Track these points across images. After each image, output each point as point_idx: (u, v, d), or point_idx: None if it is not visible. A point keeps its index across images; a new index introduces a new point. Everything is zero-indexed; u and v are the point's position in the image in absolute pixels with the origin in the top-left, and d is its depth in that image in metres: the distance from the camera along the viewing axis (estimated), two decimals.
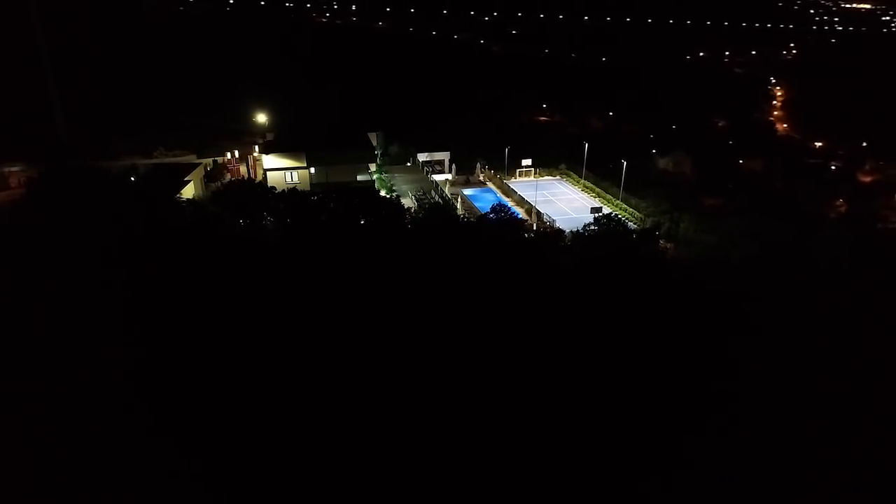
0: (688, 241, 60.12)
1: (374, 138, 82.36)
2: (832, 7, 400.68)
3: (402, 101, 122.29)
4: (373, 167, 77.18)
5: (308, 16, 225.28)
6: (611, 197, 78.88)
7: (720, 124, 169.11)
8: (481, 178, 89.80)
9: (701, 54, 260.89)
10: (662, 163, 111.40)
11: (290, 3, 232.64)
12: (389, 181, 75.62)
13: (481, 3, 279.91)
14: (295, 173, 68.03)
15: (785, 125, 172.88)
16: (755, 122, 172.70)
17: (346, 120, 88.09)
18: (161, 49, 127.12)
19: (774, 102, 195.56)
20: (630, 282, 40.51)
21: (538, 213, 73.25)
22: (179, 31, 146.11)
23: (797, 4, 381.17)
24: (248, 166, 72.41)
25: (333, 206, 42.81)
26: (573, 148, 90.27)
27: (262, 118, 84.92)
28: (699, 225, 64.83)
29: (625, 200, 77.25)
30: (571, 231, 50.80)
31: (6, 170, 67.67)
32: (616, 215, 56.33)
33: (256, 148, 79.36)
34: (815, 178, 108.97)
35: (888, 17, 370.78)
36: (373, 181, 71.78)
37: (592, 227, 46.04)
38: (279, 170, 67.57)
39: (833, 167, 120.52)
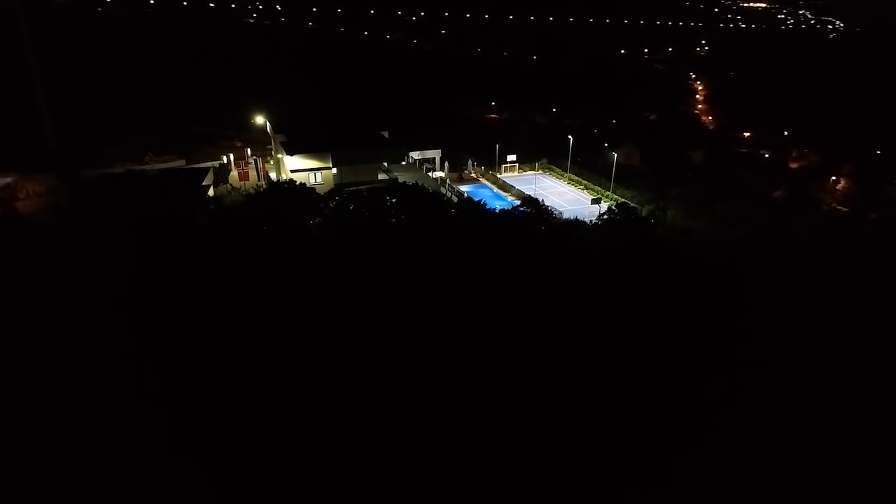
0: (677, 227, 62.78)
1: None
2: (732, 6, 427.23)
3: (355, 101, 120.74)
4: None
5: (234, 17, 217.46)
6: (599, 188, 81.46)
7: (651, 118, 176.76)
8: (473, 174, 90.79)
9: (622, 52, 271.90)
10: (613, 155, 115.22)
11: (213, 4, 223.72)
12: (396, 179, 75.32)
13: (408, 4, 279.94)
14: (318, 174, 66.55)
15: (710, 117, 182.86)
16: (682, 115, 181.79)
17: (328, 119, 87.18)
18: (110, 53, 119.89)
19: (697, 96, 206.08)
20: (659, 261, 42.15)
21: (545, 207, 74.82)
22: (121, 35, 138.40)
23: (702, 4, 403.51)
24: (257, 168, 69.89)
25: (396, 203, 42.93)
26: (541, 144, 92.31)
27: (259, 120, 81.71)
28: (685, 212, 67.81)
29: (613, 191, 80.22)
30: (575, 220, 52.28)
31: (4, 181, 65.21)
32: (627, 205, 58.41)
33: (249, 151, 78.01)
34: (753, 167, 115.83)
35: (783, 16, 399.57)
36: (394, 179, 71.15)
37: (609, 216, 47.57)
38: (304, 171, 66.18)
39: (766, 155, 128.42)
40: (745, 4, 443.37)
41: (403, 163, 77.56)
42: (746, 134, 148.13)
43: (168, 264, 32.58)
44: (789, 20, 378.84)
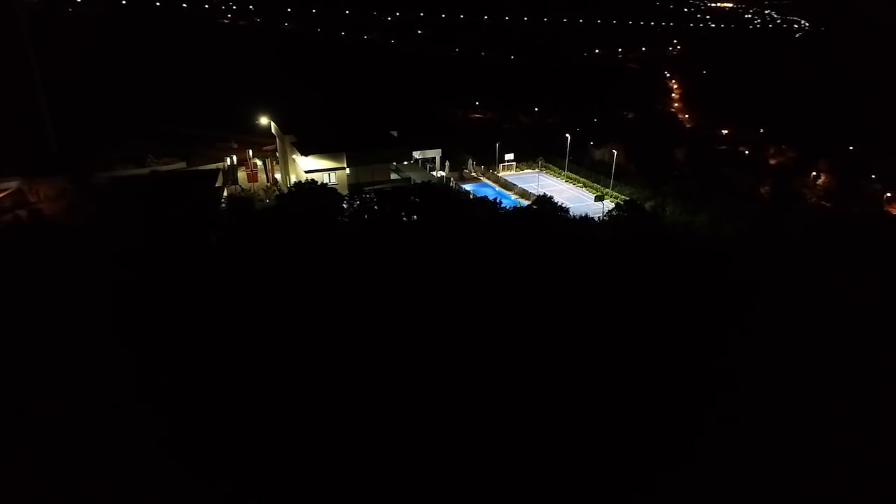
0: (678, 223, 63.67)
1: None
2: (701, 6, 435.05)
3: (344, 102, 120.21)
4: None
5: (208, 17, 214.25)
6: (598, 186, 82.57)
7: (629, 116, 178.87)
8: (474, 173, 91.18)
9: (596, 51, 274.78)
10: (598, 154, 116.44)
11: (186, 4, 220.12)
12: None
13: (383, 4, 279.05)
14: (332, 174, 65.93)
15: (686, 115, 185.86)
16: (660, 113, 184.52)
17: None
18: (92, 55, 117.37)
19: (673, 95, 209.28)
20: (671, 258, 42.97)
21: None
22: (98, 36, 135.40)
23: (672, 4, 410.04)
24: (266, 169, 69.23)
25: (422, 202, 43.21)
26: (531, 143, 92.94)
27: (264, 121, 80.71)
28: (683, 207, 68.81)
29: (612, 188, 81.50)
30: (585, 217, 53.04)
31: (6, 185, 64.57)
32: (634, 202, 59.22)
33: (251, 152, 78.02)
34: (734, 163, 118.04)
35: (749, 15, 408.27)
36: (406, 179, 71.33)
37: (618, 213, 48.28)
38: (319, 171, 65.53)
39: (746, 152, 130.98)
40: (713, 4, 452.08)
41: (406, 162, 77.52)
42: (725, 131, 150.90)
43: (223, 260, 33.24)
44: (756, 20, 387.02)
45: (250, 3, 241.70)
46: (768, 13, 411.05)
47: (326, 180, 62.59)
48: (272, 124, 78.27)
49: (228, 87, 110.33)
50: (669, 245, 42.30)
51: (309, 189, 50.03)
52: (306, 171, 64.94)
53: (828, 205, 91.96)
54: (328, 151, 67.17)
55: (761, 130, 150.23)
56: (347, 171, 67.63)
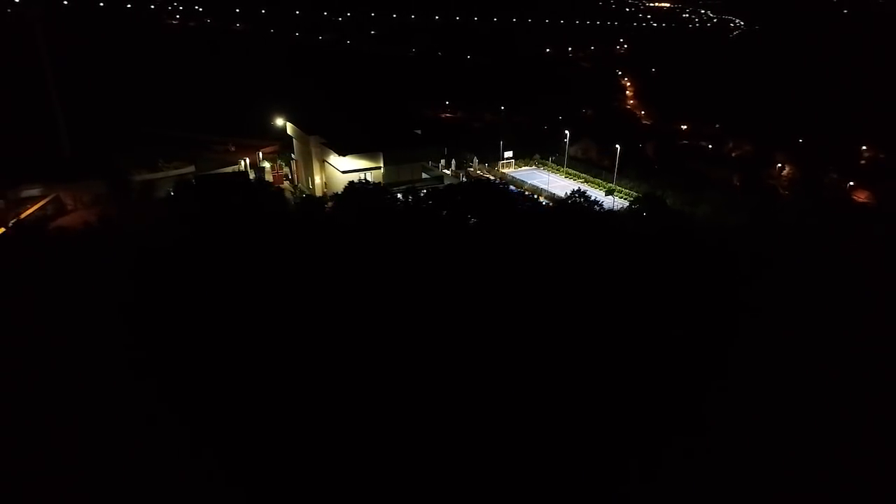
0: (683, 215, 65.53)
1: None
2: (640, 5, 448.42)
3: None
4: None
5: (157, 18, 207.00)
6: (600, 181, 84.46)
7: (588, 113, 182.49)
8: (478, 171, 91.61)
9: (547, 50, 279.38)
10: (572, 150, 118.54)
11: (130, 5, 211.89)
12: None
13: (333, 4, 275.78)
14: (368, 173, 65.12)
15: (642, 112, 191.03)
16: (617, 110, 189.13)
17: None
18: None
19: (627, 93, 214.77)
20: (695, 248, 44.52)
21: None
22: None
23: (614, 3, 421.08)
24: (290, 170, 68.22)
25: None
26: (522, 140, 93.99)
27: (279, 122, 78.75)
28: (683, 199, 70.88)
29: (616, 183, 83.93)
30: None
31: (19, 194, 63.94)
32: (653, 195, 60.81)
33: (260, 154, 77.84)
34: (700, 157, 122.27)
35: (686, 14, 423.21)
36: (438, 177, 72.00)
37: (639, 207, 49.48)
38: (357, 171, 65.25)
39: (710, 146, 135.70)
40: (651, 4, 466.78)
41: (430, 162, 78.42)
42: (684, 126, 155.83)
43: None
44: (695, 19, 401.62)
45: (195, 4, 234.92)
46: (704, 12, 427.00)
47: (360, 179, 62.58)
48: (288, 125, 77.09)
49: (204, 90, 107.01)
50: (694, 238, 43.75)
51: (363, 189, 50.42)
52: (343, 171, 64.53)
53: (791, 195, 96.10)
54: (365, 151, 67.48)
55: (717, 126, 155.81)
56: (383, 170, 67.98)
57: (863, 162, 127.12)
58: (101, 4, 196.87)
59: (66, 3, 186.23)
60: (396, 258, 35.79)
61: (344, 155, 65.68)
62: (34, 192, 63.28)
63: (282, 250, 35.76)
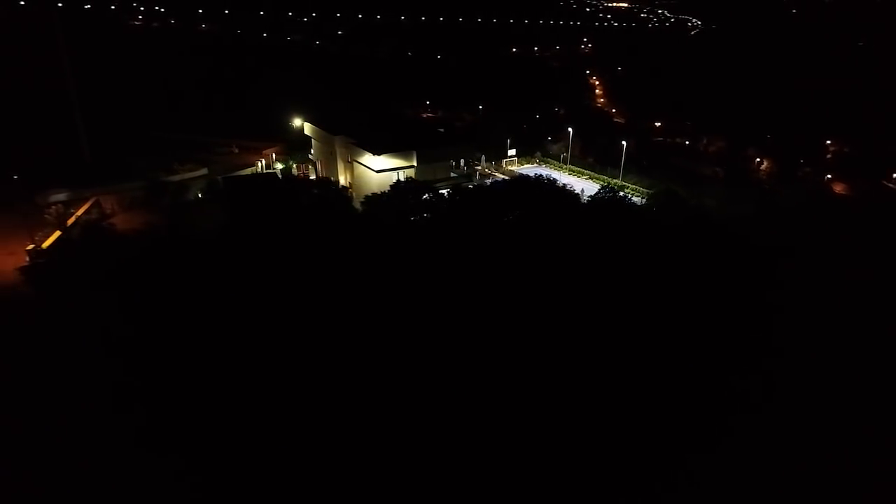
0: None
1: None
2: (599, 5, 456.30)
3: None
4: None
5: (118, 19, 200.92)
6: (604, 177, 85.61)
7: (560, 112, 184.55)
8: (486, 169, 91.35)
9: (514, 50, 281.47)
10: (555, 147, 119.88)
11: (88, 6, 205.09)
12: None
13: (298, 4, 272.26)
14: (401, 172, 64.95)
15: (614, 109, 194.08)
16: (590, 108, 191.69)
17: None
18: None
19: (597, 91, 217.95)
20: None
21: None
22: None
23: (574, 3, 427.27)
24: (315, 170, 67.41)
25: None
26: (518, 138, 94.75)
27: (297, 122, 77.50)
28: (688, 193, 72.44)
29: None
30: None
31: (48, 198, 63.98)
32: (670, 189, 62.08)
33: (273, 154, 77.90)
34: (679, 153, 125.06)
35: (644, 14, 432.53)
36: (467, 176, 73.33)
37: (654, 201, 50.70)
38: (390, 170, 65.69)
39: (686, 143, 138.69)
40: (610, 4, 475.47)
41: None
42: (658, 124, 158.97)
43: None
44: (653, 18, 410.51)
45: (156, 4, 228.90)
46: (661, 12, 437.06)
47: (393, 177, 62.62)
48: (307, 126, 77.18)
49: (192, 92, 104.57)
50: (727, 231, 45.05)
51: (408, 188, 50.44)
52: (378, 171, 64.33)
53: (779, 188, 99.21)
54: (398, 150, 67.75)
55: (688, 123, 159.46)
56: (413, 171, 68.24)
57: (829, 156, 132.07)
58: (60, 5, 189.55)
59: (21, 3, 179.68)
60: (477, 253, 37.59)
61: (379, 154, 65.99)
62: (61, 196, 63.08)
63: (372, 248, 36.97)
